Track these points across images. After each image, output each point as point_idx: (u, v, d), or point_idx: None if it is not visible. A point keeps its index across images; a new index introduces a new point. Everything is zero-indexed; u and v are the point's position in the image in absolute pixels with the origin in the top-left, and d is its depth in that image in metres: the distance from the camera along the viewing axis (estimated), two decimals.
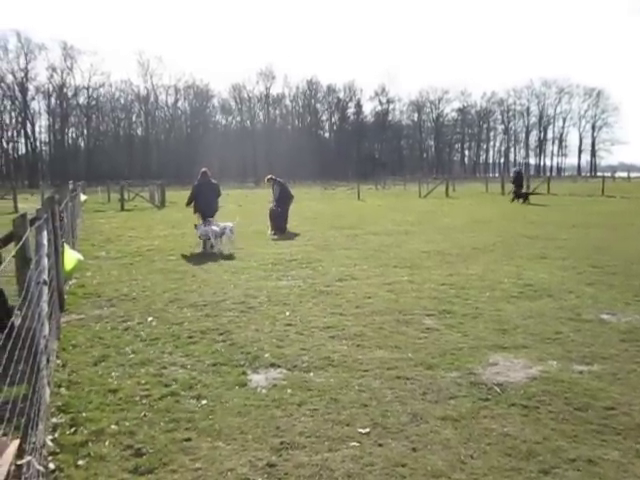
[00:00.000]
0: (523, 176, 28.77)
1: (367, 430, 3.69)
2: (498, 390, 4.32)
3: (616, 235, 13.51)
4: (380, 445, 3.50)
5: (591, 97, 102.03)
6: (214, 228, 11.65)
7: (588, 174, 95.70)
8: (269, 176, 16.12)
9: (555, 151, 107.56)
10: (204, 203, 12.45)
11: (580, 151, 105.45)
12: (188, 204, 13.00)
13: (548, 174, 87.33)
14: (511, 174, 29.20)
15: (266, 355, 5.18)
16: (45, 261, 4.86)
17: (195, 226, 12.12)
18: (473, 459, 3.32)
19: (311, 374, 4.72)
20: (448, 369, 4.78)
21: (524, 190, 27.54)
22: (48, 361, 4.32)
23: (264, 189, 28.58)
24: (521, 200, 26.16)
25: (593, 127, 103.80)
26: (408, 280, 8.39)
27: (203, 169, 13.04)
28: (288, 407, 4.07)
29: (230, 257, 10.84)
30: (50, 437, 3.60)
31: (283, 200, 15.29)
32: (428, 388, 4.38)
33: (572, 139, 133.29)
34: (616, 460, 3.28)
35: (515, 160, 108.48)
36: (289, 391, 4.36)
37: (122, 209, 25.29)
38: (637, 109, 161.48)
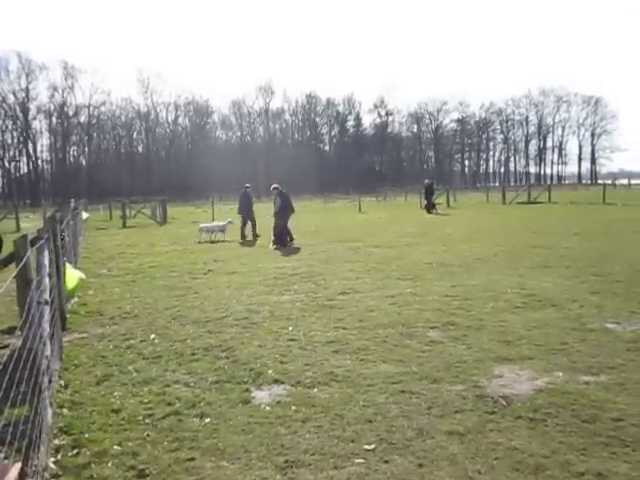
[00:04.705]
0: (434, 187, 31.07)
1: (373, 446, 3.65)
2: (504, 403, 4.27)
3: (618, 243, 13.47)
4: (386, 461, 3.46)
5: (589, 105, 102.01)
6: (218, 224, 17.64)
7: (589, 182, 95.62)
8: (274, 185, 16.22)
9: (555, 159, 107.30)
10: (240, 209, 17.84)
11: (580, 159, 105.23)
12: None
13: (548, 182, 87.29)
14: (425, 182, 31.36)
15: (269, 371, 5.15)
16: (46, 281, 4.86)
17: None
18: (480, 474, 3.27)
19: (315, 390, 4.68)
20: (453, 382, 4.74)
21: (431, 200, 29.32)
22: (50, 382, 4.29)
23: (265, 203, 28.70)
24: (432, 209, 28.32)
25: (592, 135, 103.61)
26: (411, 292, 8.36)
27: (246, 185, 18.49)
28: (292, 424, 4.03)
29: (232, 272, 10.83)
30: (52, 459, 3.57)
31: (284, 212, 15.26)
32: (433, 402, 4.33)
33: (572, 147, 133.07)
34: (626, 473, 3.23)
35: (515, 169, 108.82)
36: (293, 408, 4.32)
37: (124, 226, 25.33)
38: (636, 116, 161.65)
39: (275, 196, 15.88)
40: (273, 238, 14.90)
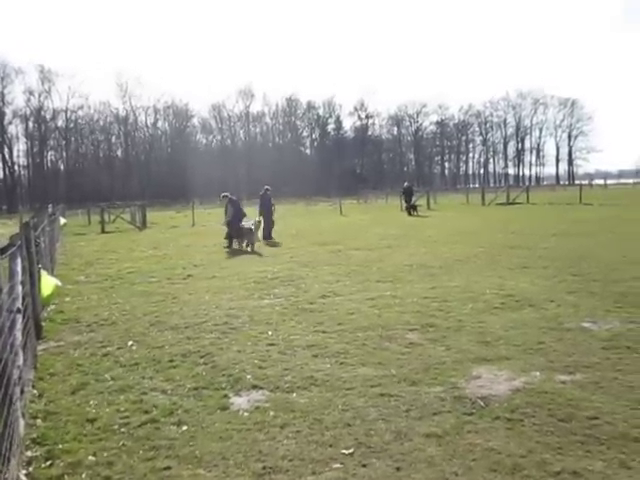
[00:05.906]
0: (412, 190, 31.38)
1: (351, 450, 3.64)
2: (482, 404, 4.29)
3: (595, 242, 13.67)
4: (364, 466, 3.44)
5: (566, 107, 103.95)
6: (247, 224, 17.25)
7: (566, 182, 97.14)
8: (224, 193, 17.29)
9: (533, 161, 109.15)
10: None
11: (557, 160, 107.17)
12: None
13: (527, 184, 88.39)
14: (404, 185, 31.98)
15: (248, 377, 5.10)
16: (19, 289, 4.77)
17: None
18: (458, 476, 3.28)
19: (294, 395, 4.65)
20: (432, 384, 4.75)
21: (412, 202, 29.84)
22: (22, 392, 4.21)
23: (244, 207, 28.48)
24: (413, 211, 28.54)
25: (569, 136, 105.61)
26: (391, 295, 8.38)
27: (266, 186, 18.47)
28: (271, 430, 4.00)
29: (212, 277, 10.75)
30: (24, 472, 3.49)
31: (238, 218, 16.24)
32: (412, 405, 4.33)
33: (549, 148, 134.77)
34: (601, 471, 3.26)
35: (494, 171, 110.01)
36: (272, 413, 4.29)
37: (103, 231, 25.01)
38: (610, 117, 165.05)
39: (227, 204, 16.75)
40: (229, 240, 15.99)
